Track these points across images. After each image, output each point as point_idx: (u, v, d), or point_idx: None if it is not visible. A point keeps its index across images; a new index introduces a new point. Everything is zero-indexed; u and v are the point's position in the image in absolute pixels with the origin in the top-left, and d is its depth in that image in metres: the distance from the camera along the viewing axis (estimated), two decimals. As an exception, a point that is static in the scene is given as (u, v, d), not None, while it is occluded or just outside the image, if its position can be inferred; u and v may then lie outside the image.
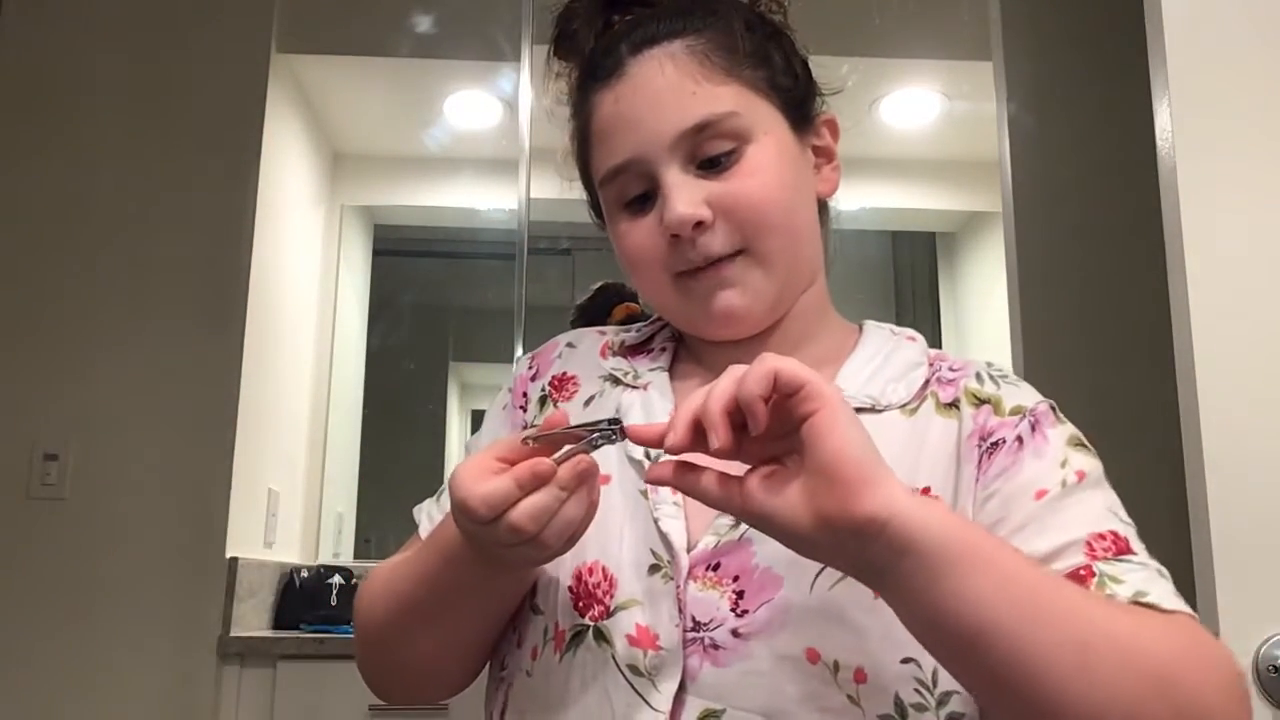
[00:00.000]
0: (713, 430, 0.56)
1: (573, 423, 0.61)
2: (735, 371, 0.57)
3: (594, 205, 0.84)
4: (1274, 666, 0.97)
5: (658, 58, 0.75)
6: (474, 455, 0.63)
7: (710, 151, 0.74)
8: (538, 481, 0.60)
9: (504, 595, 0.73)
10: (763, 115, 0.76)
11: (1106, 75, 2.03)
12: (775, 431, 0.57)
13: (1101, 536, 0.65)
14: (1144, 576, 0.64)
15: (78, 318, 2.33)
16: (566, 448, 0.60)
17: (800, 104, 0.79)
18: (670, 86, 0.74)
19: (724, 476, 0.58)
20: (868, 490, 0.54)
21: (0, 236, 2.36)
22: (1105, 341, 1.99)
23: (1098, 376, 1.96)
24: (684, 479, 0.59)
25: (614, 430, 0.60)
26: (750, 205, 0.73)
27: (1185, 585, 1.03)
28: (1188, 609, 0.64)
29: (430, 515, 0.83)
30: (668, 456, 0.60)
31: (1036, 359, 2.01)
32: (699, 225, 0.73)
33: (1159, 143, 1.12)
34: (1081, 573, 0.63)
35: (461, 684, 0.79)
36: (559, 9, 0.83)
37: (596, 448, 0.60)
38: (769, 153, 0.75)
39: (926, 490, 0.70)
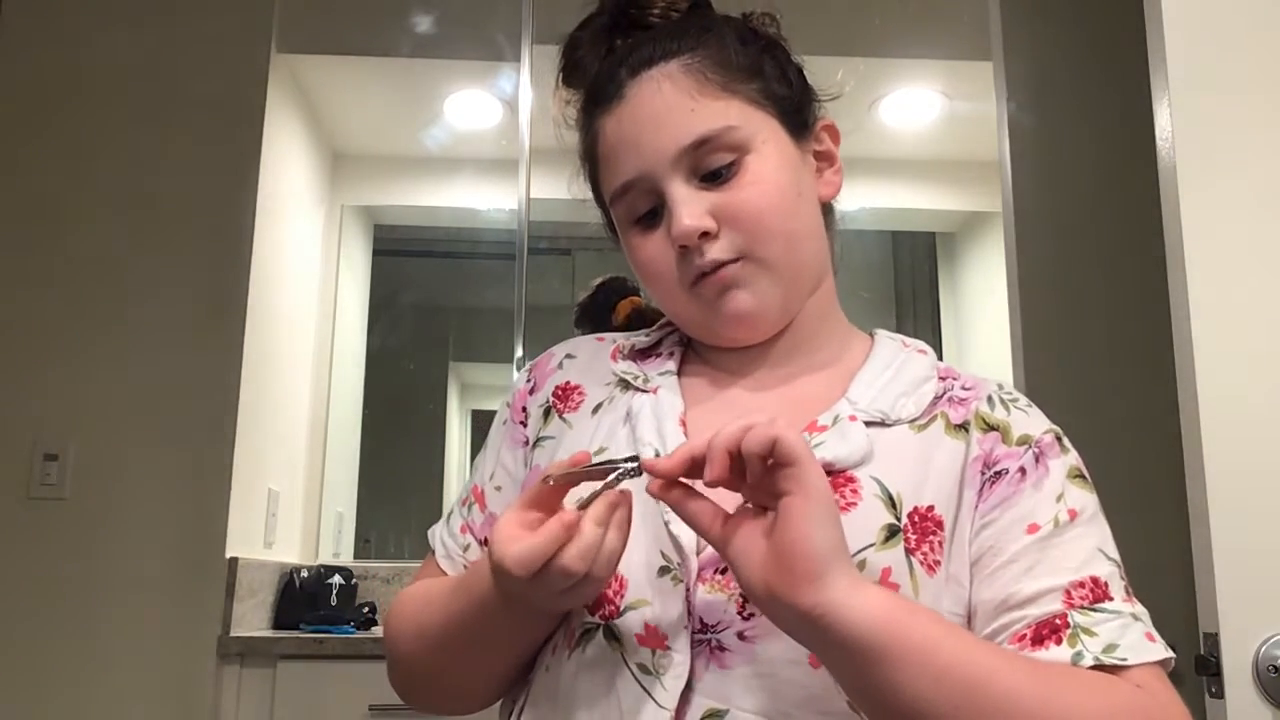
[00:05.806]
0: (710, 463, 0.60)
1: (594, 461, 0.65)
2: (747, 419, 0.60)
3: (608, 222, 0.86)
4: (1274, 666, 0.97)
5: (655, 78, 0.77)
6: (508, 512, 0.66)
7: (711, 165, 0.76)
8: (569, 533, 0.62)
9: (536, 633, 0.75)
10: (760, 125, 0.78)
11: (1106, 75, 2.03)
12: (765, 487, 0.61)
13: (1081, 584, 0.68)
14: (1117, 626, 0.67)
15: (78, 318, 2.33)
16: (588, 484, 0.63)
17: (797, 111, 0.81)
18: (669, 106, 0.76)
19: (714, 508, 0.63)
20: (812, 584, 0.58)
21: (0, 235, 2.36)
22: (1105, 341, 1.99)
23: (1098, 376, 1.96)
24: (676, 495, 0.63)
25: (635, 467, 0.63)
26: (751, 213, 0.76)
27: (1186, 586, 1.04)
28: (1159, 654, 0.67)
29: (443, 540, 0.86)
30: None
31: (1036, 359, 2.01)
32: (704, 235, 0.75)
33: (1159, 143, 1.12)
34: (1057, 621, 0.67)
35: (495, 700, 0.81)
36: (565, 39, 0.86)
37: (618, 483, 0.64)
38: (768, 161, 0.77)
39: (931, 508, 0.71)
